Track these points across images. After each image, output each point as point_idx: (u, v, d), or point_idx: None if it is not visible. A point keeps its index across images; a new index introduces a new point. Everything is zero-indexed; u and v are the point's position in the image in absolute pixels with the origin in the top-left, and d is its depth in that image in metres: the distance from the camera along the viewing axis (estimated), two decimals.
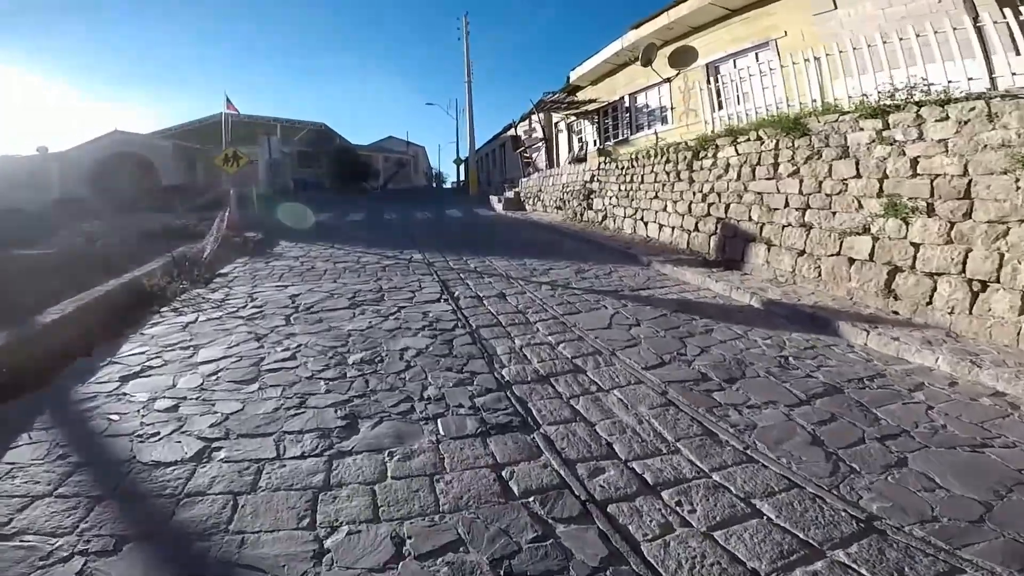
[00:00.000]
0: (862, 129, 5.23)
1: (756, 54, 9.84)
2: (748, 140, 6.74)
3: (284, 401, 2.87)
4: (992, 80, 5.41)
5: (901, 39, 6.12)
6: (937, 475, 2.15)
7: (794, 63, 7.33)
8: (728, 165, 7.01)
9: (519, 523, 1.89)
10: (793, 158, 5.94)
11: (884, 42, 6.26)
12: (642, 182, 9.42)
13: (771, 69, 7.84)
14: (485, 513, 1.95)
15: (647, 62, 11.70)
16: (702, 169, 7.60)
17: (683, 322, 4.36)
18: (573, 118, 17.85)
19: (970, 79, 5.47)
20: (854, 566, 1.67)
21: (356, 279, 6.22)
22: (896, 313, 4.39)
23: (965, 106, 4.39)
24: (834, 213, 5.28)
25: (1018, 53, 5.39)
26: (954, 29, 5.73)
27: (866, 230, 4.88)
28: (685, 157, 8.10)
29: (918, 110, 4.75)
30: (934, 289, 4.17)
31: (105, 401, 2.93)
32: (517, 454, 2.35)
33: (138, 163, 27.03)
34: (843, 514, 1.91)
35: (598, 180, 11.57)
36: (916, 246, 4.40)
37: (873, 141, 5.07)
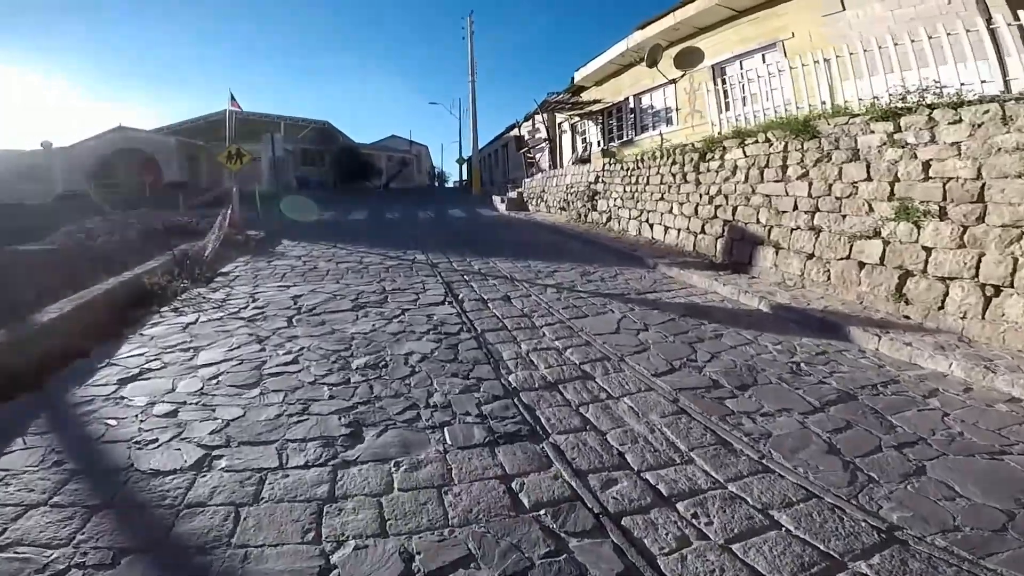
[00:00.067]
0: (873, 132, 5.16)
1: (763, 55, 9.77)
2: (756, 142, 6.67)
3: (286, 407, 2.80)
4: (1006, 83, 5.34)
5: (913, 41, 6.05)
6: (957, 483, 2.11)
7: (803, 65, 7.26)
8: (736, 167, 6.94)
9: (531, 537, 1.83)
10: (802, 160, 5.86)
11: (895, 44, 6.19)
12: (647, 183, 9.35)
13: (779, 71, 7.76)
14: (495, 527, 1.88)
15: (652, 63, 11.63)
16: (709, 171, 7.53)
17: (692, 327, 4.30)
18: (577, 119, 17.78)
19: (983, 81, 5.40)
20: None
21: (359, 280, 6.16)
22: (907, 318, 4.34)
23: (979, 109, 4.33)
24: (844, 216, 5.21)
25: None
26: (967, 31, 5.66)
27: (877, 234, 4.82)
28: (692, 159, 8.02)
29: (930, 113, 4.69)
30: (946, 294, 4.12)
31: (102, 405, 2.86)
32: (526, 464, 2.28)
33: (141, 159, 27.00)
34: (863, 524, 1.86)
35: (603, 181, 11.50)
36: (928, 250, 4.35)
37: (884, 144, 5.01)
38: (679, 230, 8.05)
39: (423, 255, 7.97)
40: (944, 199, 4.36)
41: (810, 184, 5.66)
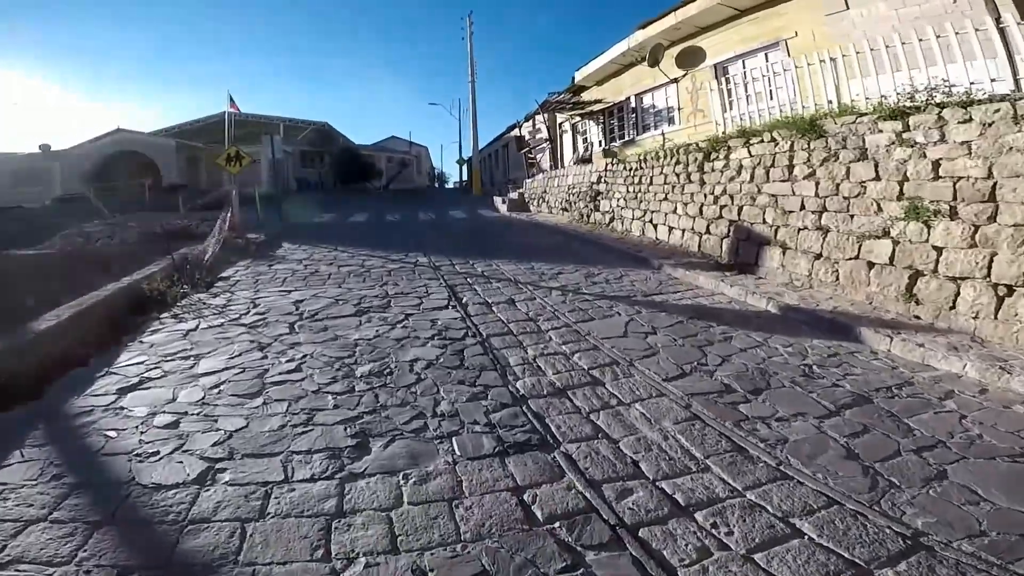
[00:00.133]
0: (881, 131, 5.12)
1: (766, 54, 9.72)
2: (762, 141, 6.62)
3: (290, 417, 2.73)
4: (1016, 81, 5.30)
5: (920, 40, 6.00)
6: (980, 487, 2.07)
7: (809, 64, 7.21)
8: (741, 167, 6.89)
9: (546, 552, 1.77)
10: (809, 160, 5.81)
11: (903, 43, 6.14)
12: (651, 183, 9.29)
13: (784, 69, 7.71)
14: (509, 541, 1.82)
15: (654, 62, 11.58)
16: (713, 171, 7.47)
17: (700, 329, 4.24)
18: (578, 119, 17.73)
19: (993, 80, 5.36)
20: None
21: (361, 284, 6.09)
22: (918, 318, 4.29)
23: (989, 108, 4.29)
24: (852, 216, 5.16)
25: None
26: (976, 30, 5.62)
27: (886, 233, 4.77)
28: (696, 158, 7.97)
29: (939, 112, 4.65)
30: (957, 294, 4.08)
31: (102, 416, 2.80)
32: (538, 475, 2.22)
33: (140, 162, 26.95)
34: (887, 531, 1.83)
35: (605, 181, 11.45)
36: (938, 250, 4.30)
37: (893, 143, 4.96)
38: (683, 230, 7.99)
39: (425, 258, 7.90)
40: (954, 198, 4.32)
41: (817, 184, 5.61)
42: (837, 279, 5.14)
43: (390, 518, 1.95)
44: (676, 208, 8.32)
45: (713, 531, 1.86)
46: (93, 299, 4.54)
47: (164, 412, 2.82)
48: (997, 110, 4.20)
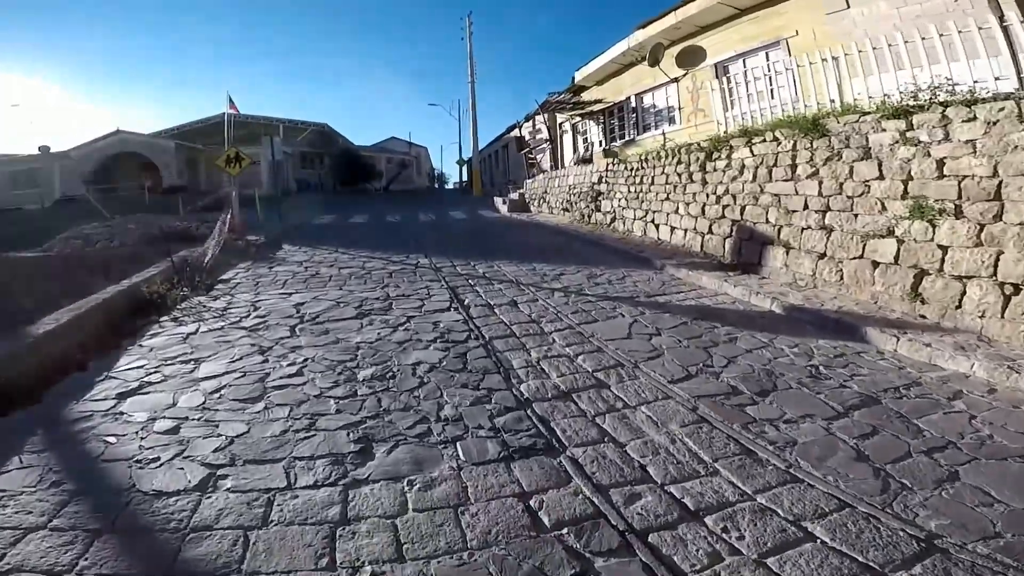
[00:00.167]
0: (884, 130, 5.09)
1: (766, 53, 9.68)
2: (764, 141, 6.59)
3: (292, 422, 2.70)
4: (1021, 80, 5.27)
5: (924, 38, 5.98)
6: (992, 488, 2.06)
7: (811, 63, 7.18)
8: (743, 166, 6.85)
9: (554, 559, 1.75)
10: (812, 159, 5.78)
11: (905, 41, 6.11)
12: (652, 183, 9.25)
13: (786, 68, 7.69)
14: (516, 549, 1.79)
15: (654, 62, 11.54)
16: (715, 170, 7.44)
17: (705, 330, 4.20)
18: (578, 119, 17.70)
19: (997, 79, 5.33)
20: None
21: (362, 286, 6.05)
22: (923, 317, 4.27)
23: (994, 106, 4.27)
24: (856, 215, 5.13)
25: None
26: (979, 28, 5.59)
27: (890, 232, 4.75)
28: (698, 158, 7.94)
29: (943, 110, 4.62)
30: (963, 293, 4.06)
31: (101, 421, 2.77)
32: (544, 480, 2.19)
33: (140, 163, 26.92)
34: (901, 534, 1.82)
35: (606, 181, 11.41)
36: (944, 249, 4.28)
37: (896, 142, 4.93)
38: (686, 230, 7.96)
39: (426, 259, 7.87)
40: (959, 197, 4.30)
41: (820, 183, 5.58)
42: (841, 279, 5.11)
43: (395, 526, 1.92)
44: (678, 208, 8.29)
45: (724, 536, 1.84)
46: (92, 302, 4.51)
47: (164, 417, 2.78)
48: (1002, 108, 4.17)
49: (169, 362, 3.62)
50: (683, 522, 1.92)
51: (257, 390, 3.12)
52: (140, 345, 4.02)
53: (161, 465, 2.32)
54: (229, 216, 9.50)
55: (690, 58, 10.91)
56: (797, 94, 7.52)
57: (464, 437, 2.54)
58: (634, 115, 14.13)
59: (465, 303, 5.14)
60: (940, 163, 4.50)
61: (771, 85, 8.04)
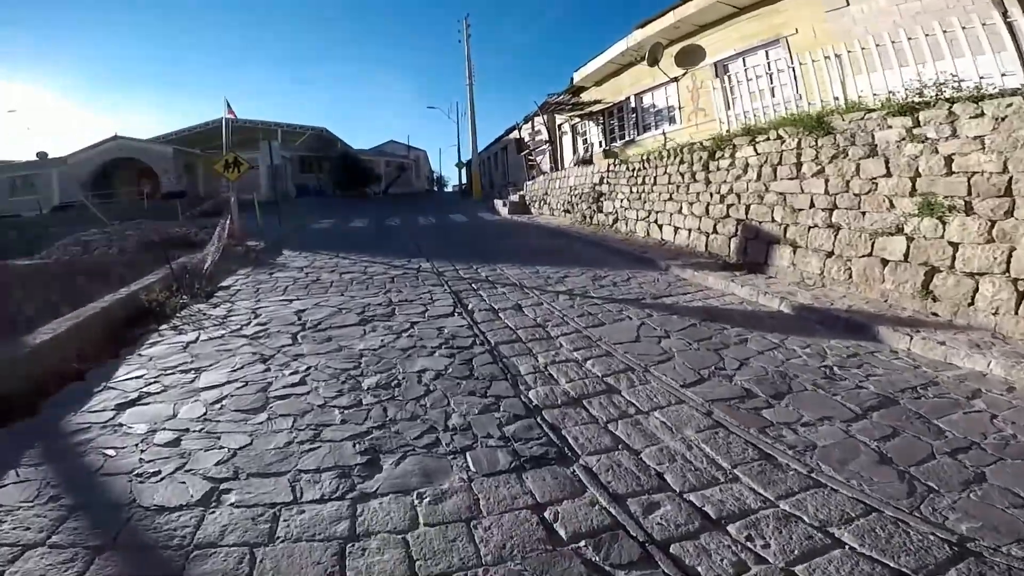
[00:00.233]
0: (891, 127, 5.04)
1: (766, 52, 9.65)
2: (768, 139, 6.53)
3: (296, 434, 2.62)
4: None
5: (927, 35, 5.94)
6: (1021, 489, 2.02)
7: (813, 60, 7.13)
8: (747, 165, 6.80)
9: (573, 573, 1.69)
10: (817, 157, 5.72)
11: (909, 38, 6.07)
12: (655, 183, 9.20)
13: (789, 66, 7.64)
14: (533, 564, 1.73)
15: (653, 62, 11.50)
16: (719, 170, 7.38)
17: (714, 332, 4.14)
18: (577, 119, 17.66)
19: (1003, 74, 5.29)
20: None
21: (364, 291, 5.97)
22: (935, 315, 4.22)
23: (1002, 102, 4.24)
24: (864, 213, 5.08)
25: None
26: (983, 24, 5.56)
27: (899, 230, 4.69)
28: (700, 157, 7.88)
29: (950, 107, 4.58)
30: (976, 290, 4.01)
31: (100, 433, 2.69)
32: (558, 491, 2.12)
33: (139, 169, 26.89)
34: (932, 538, 1.78)
35: (607, 182, 11.35)
36: (954, 246, 4.24)
37: (903, 139, 4.88)
38: (690, 230, 7.90)
39: (428, 263, 7.79)
40: (969, 194, 4.25)
41: (826, 181, 5.52)
42: (850, 277, 5.05)
43: (406, 541, 1.84)
44: (681, 208, 8.23)
45: (748, 544, 1.79)
46: (90, 311, 4.43)
47: (165, 429, 2.71)
48: (1010, 104, 4.13)
49: (169, 372, 3.55)
50: (705, 531, 1.86)
51: (259, 400, 3.04)
52: (139, 354, 3.94)
53: (162, 479, 2.25)
54: (228, 221, 9.43)
55: (689, 57, 10.86)
56: (800, 92, 7.47)
57: (473, 447, 2.47)
58: (634, 115, 14.09)
59: (469, 308, 5.07)
60: (948, 159, 4.46)
61: (773, 83, 7.99)
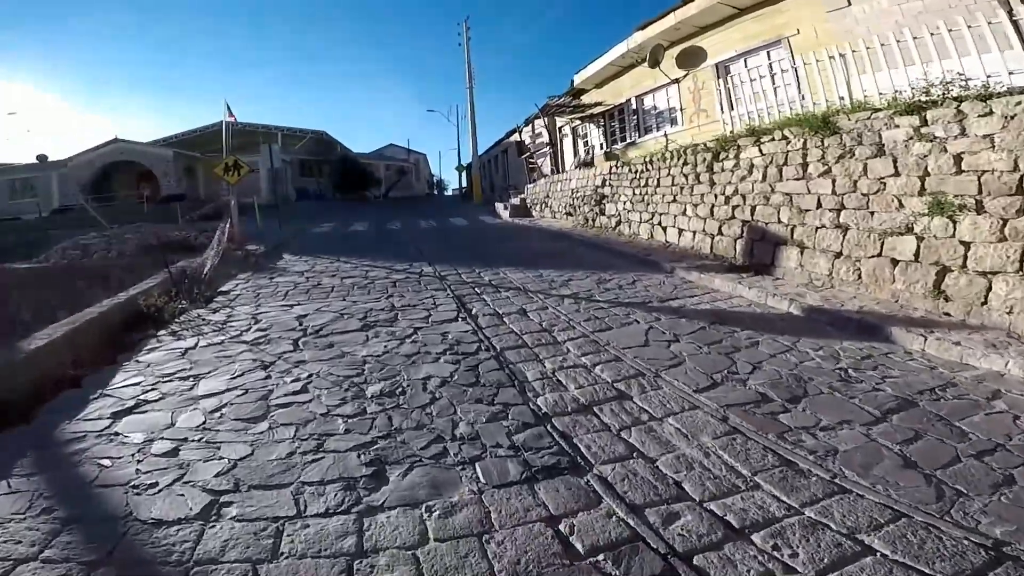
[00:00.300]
0: (898, 126, 4.99)
1: (768, 52, 9.61)
2: (773, 140, 6.47)
3: (299, 444, 2.53)
4: None
5: (932, 34, 5.89)
6: None
7: (817, 60, 7.08)
8: (752, 166, 6.73)
9: None
10: (823, 157, 5.66)
11: (914, 37, 6.03)
12: (658, 185, 9.13)
13: (793, 66, 7.59)
14: None
15: (654, 63, 11.45)
16: (723, 171, 7.32)
17: (724, 335, 4.06)
18: (578, 122, 17.62)
19: (1011, 73, 5.23)
20: None
21: (366, 296, 5.89)
22: (948, 315, 4.16)
23: (1010, 100, 4.19)
24: (872, 213, 5.01)
25: None
26: (989, 23, 5.52)
27: (909, 230, 4.63)
28: (704, 159, 7.81)
29: (958, 105, 4.54)
30: (989, 289, 3.95)
31: (95, 442, 2.60)
32: (573, 502, 2.04)
33: (138, 172, 26.82)
34: (966, 543, 1.73)
35: (610, 184, 11.29)
36: (966, 245, 4.19)
37: (911, 138, 4.82)
38: (694, 232, 7.82)
39: (430, 267, 7.71)
40: (980, 192, 4.20)
41: (833, 181, 5.46)
42: (859, 277, 4.98)
43: (416, 557, 1.76)
44: (685, 210, 8.16)
45: (775, 554, 1.72)
46: (87, 316, 4.35)
47: (162, 438, 2.62)
48: (1019, 102, 4.09)
49: (167, 379, 3.46)
50: (729, 541, 1.79)
51: (260, 408, 2.95)
52: (137, 360, 3.85)
53: (160, 491, 2.16)
54: (228, 225, 9.36)
55: (690, 59, 10.82)
56: (804, 92, 7.42)
57: (482, 457, 2.38)
58: (635, 117, 14.04)
59: (473, 312, 4.98)
60: (958, 158, 4.41)
61: (776, 84, 7.94)
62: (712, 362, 3.49)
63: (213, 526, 1.93)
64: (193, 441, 2.58)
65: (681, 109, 12.07)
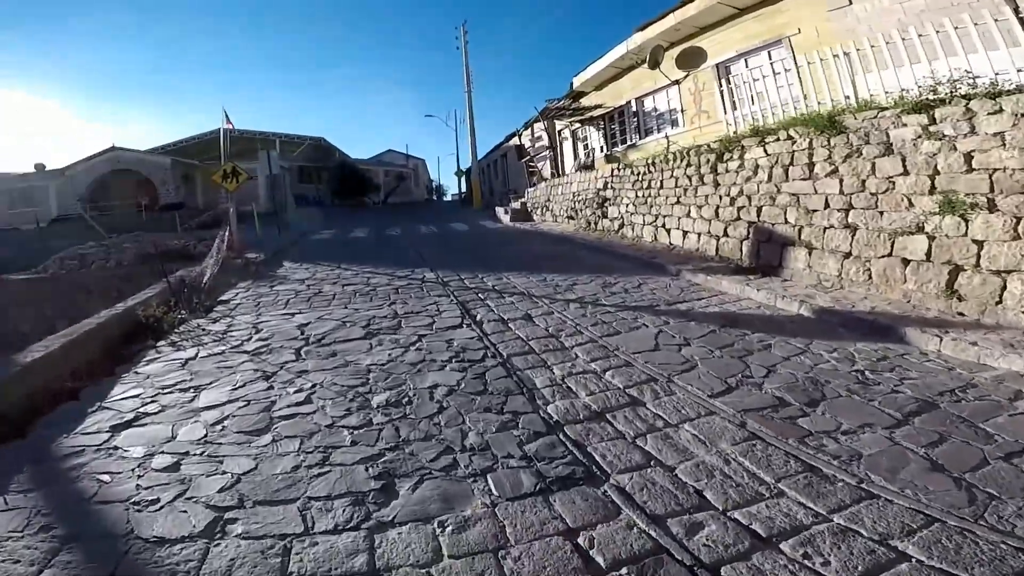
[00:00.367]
0: (906, 125, 4.94)
1: (768, 52, 9.56)
2: (777, 140, 6.41)
3: (304, 457, 2.44)
4: None
5: (938, 31, 5.85)
6: None
7: (821, 59, 7.04)
8: (757, 166, 6.67)
9: None
10: (830, 157, 5.60)
11: (919, 35, 5.98)
12: (661, 187, 9.07)
13: (796, 65, 7.55)
14: None
15: (654, 64, 11.41)
16: (728, 171, 7.26)
17: (735, 338, 3.98)
18: (578, 125, 17.59)
19: (1019, 70, 5.18)
20: None
21: (368, 303, 5.81)
22: (962, 315, 4.09)
23: (1021, 98, 4.16)
24: (882, 213, 4.95)
25: None
26: (995, 20, 5.47)
27: (920, 229, 4.57)
28: (708, 160, 7.76)
29: (967, 103, 4.49)
30: (1003, 287, 3.89)
31: (94, 457, 2.52)
32: (591, 514, 1.96)
33: (136, 180, 26.71)
34: (1004, 547, 1.68)
35: (612, 187, 11.23)
36: (979, 243, 4.13)
37: (919, 137, 4.77)
38: (699, 234, 7.75)
39: (432, 273, 7.64)
40: (992, 190, 4.15)
41: (841, 181, 5.40)
42: (870, 278, 4.91)
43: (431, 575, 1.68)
44: (690, 211, 8.09)
45: (806, 563, 1.66)
46: (85, 327, 4.27)
47: (163, 452, 2.54)
48: None
49: (167, 391, 3.37)
50: (756, 551, 1.73)
51: (263, 420, 2.86)
52: (136, 372, 3.77)
53: (161, 507, 2.08)
54: (227, 233, 9.29)
55: (691, 59, 10.78)
56: (808, 91, 7.37)
57: (494, 468, 2.30)
58: (635, 119, 14.00)
59: (478, 319, 4.90)
60: (968, 156, 4.36)
61: (779, 83, 7.90)
62: (725, 366, 3.41)
63: (218, 544, 1.85)
64: (195, 455, 2.50)
65: (682, 110, 12.03)
